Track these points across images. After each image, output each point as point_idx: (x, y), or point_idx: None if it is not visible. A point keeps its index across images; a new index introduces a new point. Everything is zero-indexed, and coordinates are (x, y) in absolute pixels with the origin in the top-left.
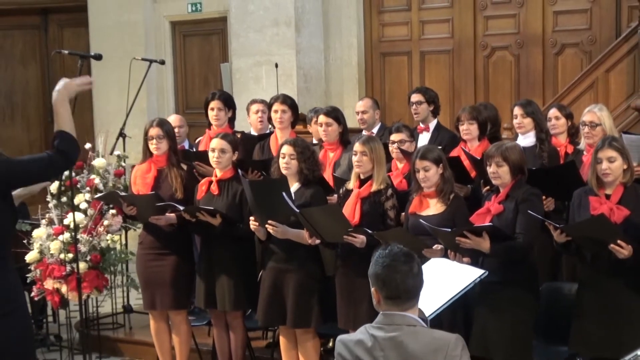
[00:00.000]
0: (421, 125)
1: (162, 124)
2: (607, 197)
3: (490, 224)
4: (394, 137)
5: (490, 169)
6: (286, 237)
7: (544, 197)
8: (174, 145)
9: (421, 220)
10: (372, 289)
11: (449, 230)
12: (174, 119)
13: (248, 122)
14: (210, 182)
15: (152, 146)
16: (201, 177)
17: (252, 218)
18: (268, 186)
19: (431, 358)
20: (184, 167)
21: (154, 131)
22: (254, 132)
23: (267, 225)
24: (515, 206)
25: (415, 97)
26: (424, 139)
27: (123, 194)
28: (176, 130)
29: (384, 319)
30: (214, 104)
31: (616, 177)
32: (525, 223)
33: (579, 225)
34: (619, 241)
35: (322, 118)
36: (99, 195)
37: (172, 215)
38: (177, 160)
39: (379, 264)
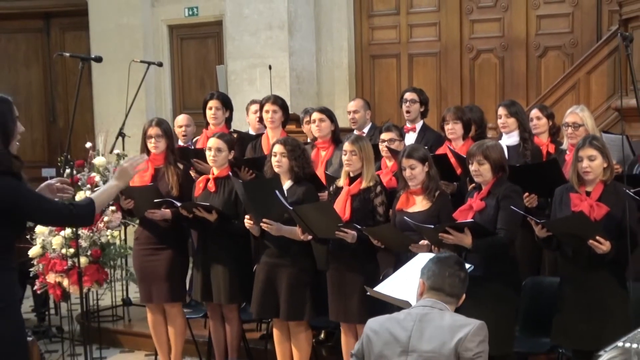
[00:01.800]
0: (408, 125)
1: (161, 123)
2: (588, 194)
3: (471, 220)
4: (384, 136)
5: (472, 167)
6: (280, 234)
7: (527, 193)
8: (171, 144)
9: (405, 217)
10: (420, 281)
11: (432, 226)
12: (182, 119)
13: (247, 122)
14: (208, 180)
15: (151, 145)
16: (199, 175)
17: (247, 217)
18: (261, 186)
19: (457, 331)
20: (181, 166)
21: (153, 130)
22: (252, 132)
23: (262, 223)
24: (496, 203)
25: (410, 96)
26: (410, 138)
27: None
28: (183, 129)
29: (421, 303)
30: (213, 103)
31: (596, 175)
32: (506, 219)
33: (559, 222)
34: (598, 237)
35: (315, 114)
36: (97, 188)
37: (167, 210)
38: (174, 159)
39: (433, 260)
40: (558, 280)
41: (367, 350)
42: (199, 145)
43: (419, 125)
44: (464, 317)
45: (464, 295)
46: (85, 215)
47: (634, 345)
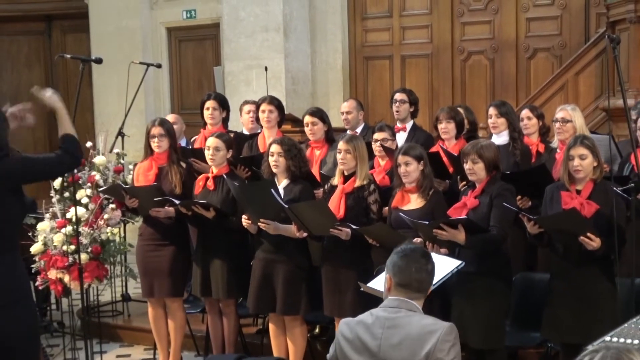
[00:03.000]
0: (399, 125)
1: (163, 123)
2: (578, 192)
3: (464, 216)
4: (377, 135)
5: (467, 166)
6: (277, 233)
7: (519, 197)
8: (174, 143)
9: (400, 213)
10: (387, 276)
11: (427, 222)
12: (169, 118)
13: (240, 122)
14: (207, 178)
15: (154, 144)
16: (197, 174)
17: (244, 216)
18: (256, 188)
19: (427, 338)
20: (183, 164)
21: (156, 130)
22: (245, 132)
23: (259, 223)
24: (489, 200)
25: (399, 96)
26: (400, 138)
27: (125, 186)
28: None
29: (388, 302)
30: (210, 103)
31: (587, 173)
32: (499, 216)
33: (551, 218)
34: (588, 234)
35: (307, 118)
36: (103, 188)
37: (171, 208)
38: (177, 158)
39: (398, 254)
40: (547, 276)
41: (341, 356)
42: (196, 145)
43: (409, 125)
44: (432, 321)
45: (432, 287)
46: (78, 152)
47: (621, 340)
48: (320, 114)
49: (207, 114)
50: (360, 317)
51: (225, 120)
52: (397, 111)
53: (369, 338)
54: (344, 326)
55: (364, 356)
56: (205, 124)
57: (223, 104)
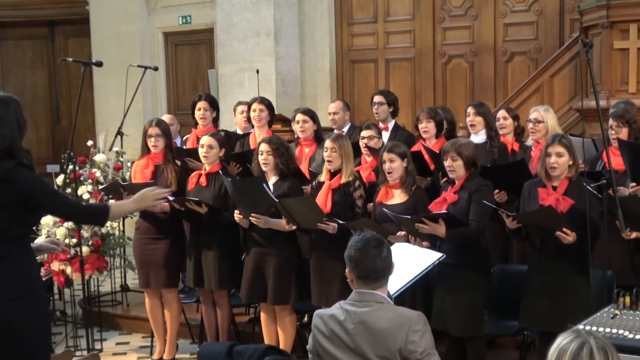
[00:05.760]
0: (381, 124)
1: (160, 124)
2: (554, 188)
3: (445, 211)
4: (364, 133)
5: (446, 163)
6: (268, 227)
7: (497, 190)
8: (170, 143)
9: (384, 209)
10: (347, 270)
11: (409, 217)
12: (165, 118)
13: (234, 122)
14: (200, 175)
15: (151, 144)
16: (192, 172)
17: (236, 211)
18: (248, 184)
19: (396, 332)
20: (179, 162)
21: (153, 130)
22: (239, 131)
23: (251, 217)
24: (468, 196)
25: (377, 99)
26: (383, 137)
27: (124, 183)
28: None
29: (356, 296)
30: (201, 104)
31: (562, 171)
32: (477, 211)
33: (529, 214)
34: (564, 229)
35: (299, 116)
36: (102, 186)
37: (166, 204)
38: (172, 157)
39: (352, 248)
40: (524, 268)
41: (321, 350)
42: (189, 144)
43: (391, 124)
44: (400, 312)
45: (393, 265)
46: (97, 214)
47: (594, 328)
48: (311, 114)
49: (198, 114)
50: (332, 311)
51: (215, 120)
52: (377, 113)
53: (344, 334)
54: (318, 320)
55: (344, 351)
56: (196, 123)
57: (213, 104)
